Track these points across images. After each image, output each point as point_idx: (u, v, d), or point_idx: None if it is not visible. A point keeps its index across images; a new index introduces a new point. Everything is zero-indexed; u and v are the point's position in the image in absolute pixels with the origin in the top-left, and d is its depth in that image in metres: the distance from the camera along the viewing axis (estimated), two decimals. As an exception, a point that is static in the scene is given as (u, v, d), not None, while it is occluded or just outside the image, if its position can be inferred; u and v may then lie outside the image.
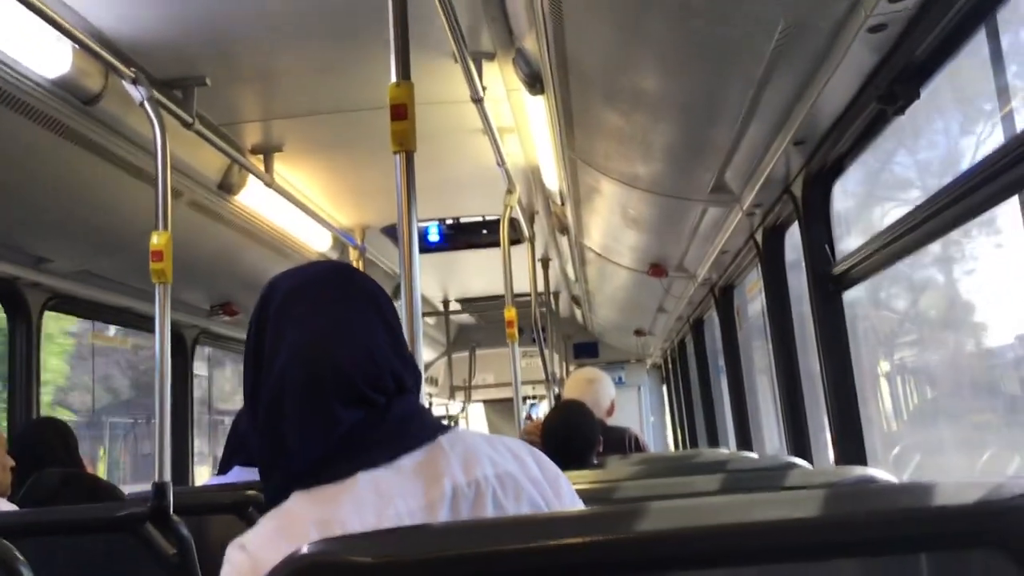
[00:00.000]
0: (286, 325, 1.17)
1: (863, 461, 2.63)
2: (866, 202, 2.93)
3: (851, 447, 2.65)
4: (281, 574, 0.82)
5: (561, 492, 1.19)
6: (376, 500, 1.07)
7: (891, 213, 2.42)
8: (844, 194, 2.77)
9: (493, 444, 1.19)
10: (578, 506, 1.23)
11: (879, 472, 1.92)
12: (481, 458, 1.14)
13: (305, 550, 0.84)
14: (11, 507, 2.46)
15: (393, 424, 1.14)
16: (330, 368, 1.13)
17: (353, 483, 1.09)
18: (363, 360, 1.15)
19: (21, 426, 3.41)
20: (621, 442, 3.95)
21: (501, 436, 1.24)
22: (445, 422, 1.24)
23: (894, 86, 2.04)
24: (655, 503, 1.09)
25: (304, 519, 1.07)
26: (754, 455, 3.50)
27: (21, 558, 1.65)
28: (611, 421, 4.02)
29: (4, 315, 3.62)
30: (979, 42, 1.87)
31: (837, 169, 2.67)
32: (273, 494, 1.14)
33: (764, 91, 2.20)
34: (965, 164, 1.94)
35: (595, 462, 3.15)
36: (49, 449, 2.74)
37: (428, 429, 1.16)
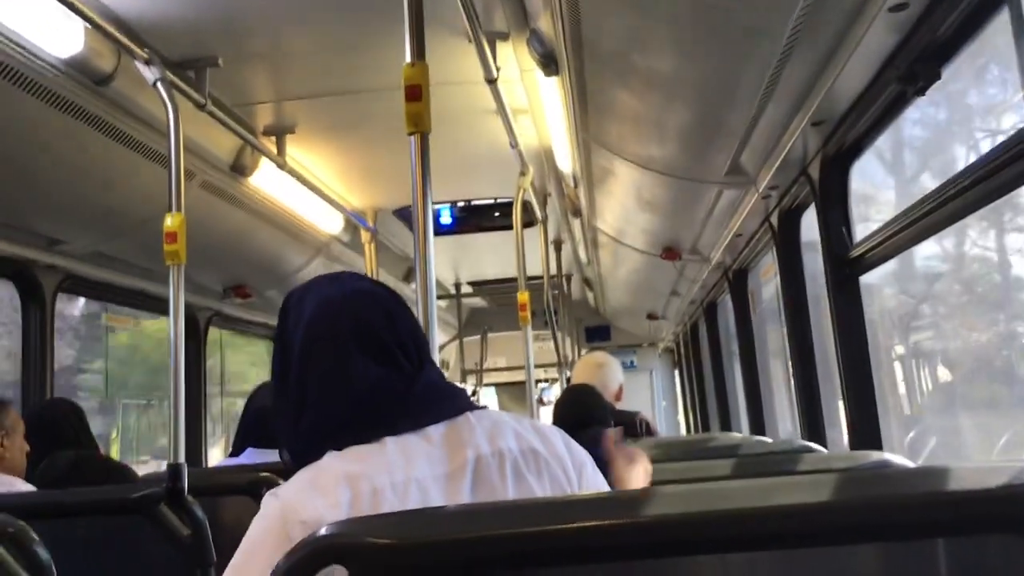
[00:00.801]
0: (310, 299, 1.23)
1: (878, 446, 2.62)
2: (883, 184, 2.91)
3: (866, 432, 2.64)
4: (300, 554, 0.82)
5: (585, 476, 1.19)
6: (403, 462, 1.10)
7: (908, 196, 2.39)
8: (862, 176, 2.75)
9: (521, 422, 1.20)
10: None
11: (895, 457, 1.91)
12: (506, 432, 1.16)
13: (323, 531, 0.84)
14: (29, 487, 2.47)
15: (420, 392, 1.17)
16: (352, 319, 1.18)
17: (381, 446, 1.12)
18: (385, 319, 1.20)
19: (34, 407, 3.42)
20: (632, 426, 3.95)
21: (533, 419, 1.26)
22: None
23: (915, 66, 2.01)
24: (671, 487, 1.08)
25: (335, 472, 1.10)
26: (768, 439, 3.49)
27: (37, 538, 1.65)
28: (620, 406, 4.02)
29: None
30: (1003, 22, 1.84)
31: (855, 151, 2.64)
32: (301, 449, 1.17)
33: (782, 71, 2.18)
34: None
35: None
36: (62, 431, 2.75)
37: (457, 402, 1.19)
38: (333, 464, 1.12)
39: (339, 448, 1.13)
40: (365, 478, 1.08)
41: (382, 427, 1.13)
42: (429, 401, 1.17)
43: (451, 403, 1.18)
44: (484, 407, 1.22)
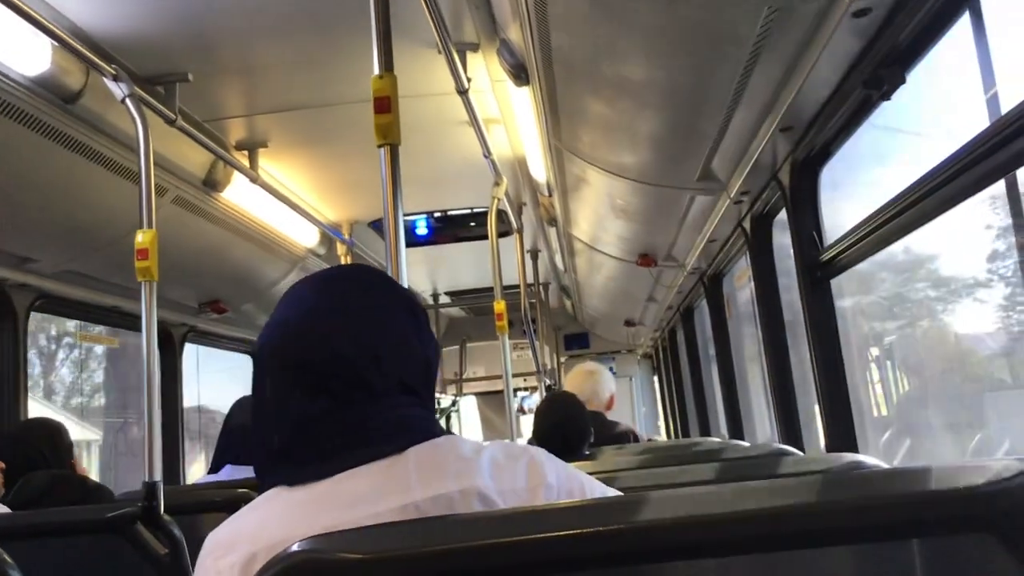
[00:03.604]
0: (273, 315, 1.16)
1: (853, 447, 2.64)
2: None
3: (841, 434, 2.66)
4: (271, 571, 0.81)
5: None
6: (310, 515, 1.02)
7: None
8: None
9: (478, 455, 1.08)
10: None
11: (868, 458, 1.92)
12: (446, 473, 1.04)
13: (296, 547, 0.83)
14: (4, 509, 2.44)
15: (346, 428, 1.07)
16: (288, 348, 1.10)
17: (296, 492, 1.06)
18: (326, 345, 1.09)
19: (10, 428, 3.38)
20: (623, 436, 3.97)
21: (499, 444, 1.13)
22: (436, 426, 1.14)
23: (879, 71, 2.04)
24: (649, 493, 1.08)
25: (233, 528, 1.08)
26: (746, 443, 3.51)
27: (10, 561, 1.63)
28: (609, 415, 4.04)
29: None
30: (963, 25, 1.87)
31: (824, 155, 2.67)
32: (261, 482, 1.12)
33: (750, 77, 2.20)
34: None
35: (587, 453, 3.16)
36: (38, 451, 2.71)
37: (394, 438, 1.07)
38: (238, 517, 1.09)
39: (265, 486, 1.09)
40: (247, 541, 1.03)
41: (303, 469, 1.06)
42: (357, 441, 1.06)
43: (386, 439, 1.07)
44: (438, 437, 1.10)
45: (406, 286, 1.80)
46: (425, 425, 1.11)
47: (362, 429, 1.07)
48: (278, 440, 1.08)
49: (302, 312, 1.13)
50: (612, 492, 1.19)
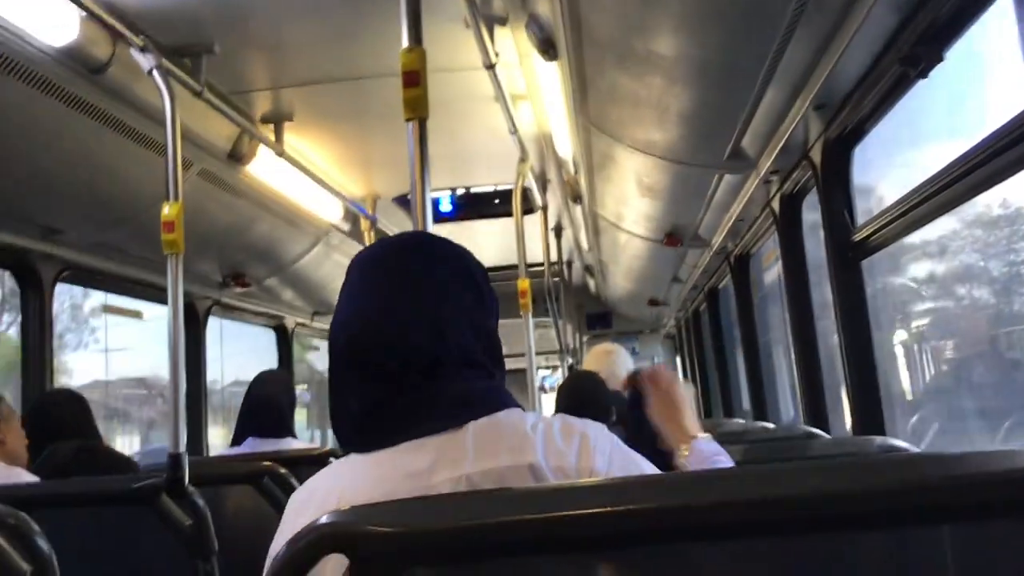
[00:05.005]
0: (339, 301, 1.20)
1: (881, 431, 2.61)
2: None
3: (870, 417, 2.63)
4: (301, 543, 0.81)
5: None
6: (372, 483, 1.07)
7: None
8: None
9: (534, 429, 1.10)
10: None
11: (899, 442, 1.90)
12: (499, 448, 1.07)
13: (324, 519, 0.83)
14: (32, 478, 2.47)
15: (409, 407, 1.11)
16: (355, 341, 1.15)
17: (366, 460, 1.11)
18: (387, 338, 1.13)
19: (35, 398, 3.42)
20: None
21: (559, 419, 1.14)
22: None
23: (917, 48, 1.99)
24: (675, 474, 1.07)
25: (312, 489, 1.15)
26: (771, 425, 3.48)
27: (37, 529, 1.65)
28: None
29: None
30: (1004, 2, 1.82)
31: (858, 134, 2.62)
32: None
33: (783, 54, 2.15)
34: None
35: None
36: (63, 421, 2.74)
37: (453, 413, 1.10)
38: (316, 479, 1.17)
39: (345, 451, 1.16)
40: (316, 504, 1.09)
41: (368, 442, 1.12)
42: (416, 417, 1.10)
43: (443, 414, 1.10)
44: (497, 412, 1.12)
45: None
46: (489, 397, 1.14)
47: (427, 405, 1.11)
48: (354, 417, 1.14)
49: (363, 302, 1.17)
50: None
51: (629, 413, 1.48)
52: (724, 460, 1.48)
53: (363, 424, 1.13)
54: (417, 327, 1.13)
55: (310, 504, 1.11)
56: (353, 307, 1.17)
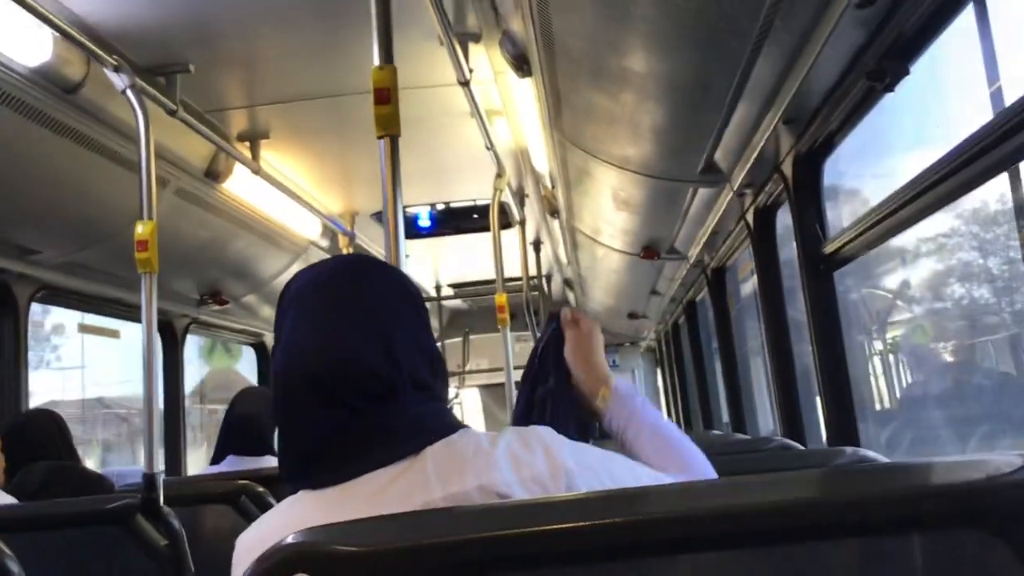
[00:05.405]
0: (281, 328, 1.17)
1: (855, 441, 2.63)
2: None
3: (843, 427, 2.65)
4: (268, 563, 0.81)
5: (571, 483, 1.08)
6: (326, 516, 1.02)
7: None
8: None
9: (494, 447, 1.09)
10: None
11: (870, 452, 1.92)
12: (466, 470, 1.06)
13: (291, 539, 0.83)
14: (9, 499, 2.44)
15: (365, 433, 1.09)
16: (307, 367, 1.11)
17: (322, 495, 1.08)
18: (341, 363, 1.10)
19: (11, 419, 3.39)
20: None
21: (513, 433, 1.13)
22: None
23: (883, 62, 2.02)
24: (649, 487, 1.07)
25: (275, 523, 1.10)
26: (748, 437, 3.50)
27: (9, 552, 1.63)
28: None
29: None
30: (967, 16, 1.85)
31: (827, 147, 2.65)
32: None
33: (752, 69, 2.18)
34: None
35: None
36: (39, 442, 2.71)
37: (410, 438, 1.09)
38: (263, 520, 1.14)
39: (292, 489, 1.12)
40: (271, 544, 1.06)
41: (324, 475, 1.08)
42: (376, 443, 1.08)
43: (402, 441, 1.08)
44: (452, 434, 1.11)
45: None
46: (441, 420, 1.13)
47: (380, 431, 1.09)
48: (301, 450, 1.11)
49: (312, 329, 1.14)
50: (636, 465, 1.19)
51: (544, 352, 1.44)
52: (645, 401, 1.42)
53: (318, 454, 1.09)
54: (369, 350, 1.11)
55: (264, 546, 1.06)
56: (301, 333, 1.14)
